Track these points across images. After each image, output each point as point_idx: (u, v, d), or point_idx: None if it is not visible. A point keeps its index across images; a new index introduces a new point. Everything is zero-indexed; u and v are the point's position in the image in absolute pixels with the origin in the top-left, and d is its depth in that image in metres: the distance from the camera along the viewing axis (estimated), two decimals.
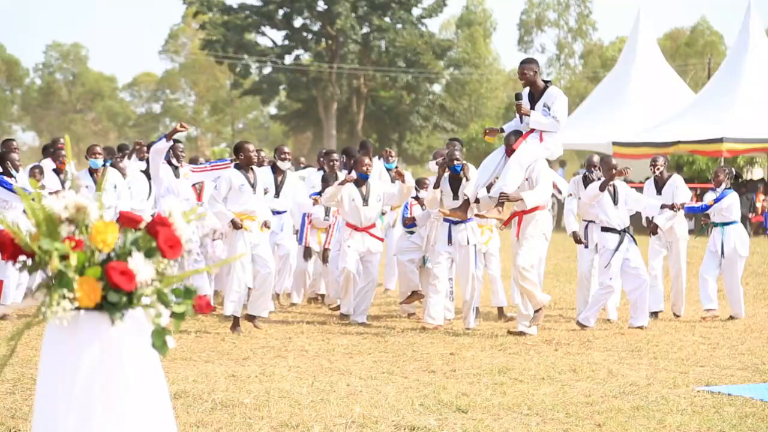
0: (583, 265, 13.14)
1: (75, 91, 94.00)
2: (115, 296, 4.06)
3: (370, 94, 65.89)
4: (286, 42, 68.02)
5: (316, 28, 67.44)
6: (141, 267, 4.10)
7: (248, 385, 8.81)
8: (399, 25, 66.69)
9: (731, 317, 13.38)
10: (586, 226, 13.12)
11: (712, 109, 30.45)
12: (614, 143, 32.34)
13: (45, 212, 4.13)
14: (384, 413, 7.76)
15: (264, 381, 9.01)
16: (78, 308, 4.06)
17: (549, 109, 11.65)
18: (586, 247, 13.04)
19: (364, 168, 12.90)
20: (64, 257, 4.06)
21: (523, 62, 11.88)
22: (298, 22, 67.32)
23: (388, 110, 66.37)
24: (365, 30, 66.72)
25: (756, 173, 35.09)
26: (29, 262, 4.14)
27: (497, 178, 11.83)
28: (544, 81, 11.87)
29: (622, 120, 34.74)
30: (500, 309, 13.65)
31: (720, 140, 28.34)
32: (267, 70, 69.50)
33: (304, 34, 67.70)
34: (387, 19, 66.51)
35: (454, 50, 71.25)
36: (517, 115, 12.01)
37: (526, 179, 11.69)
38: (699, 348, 11.14)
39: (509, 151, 11.75)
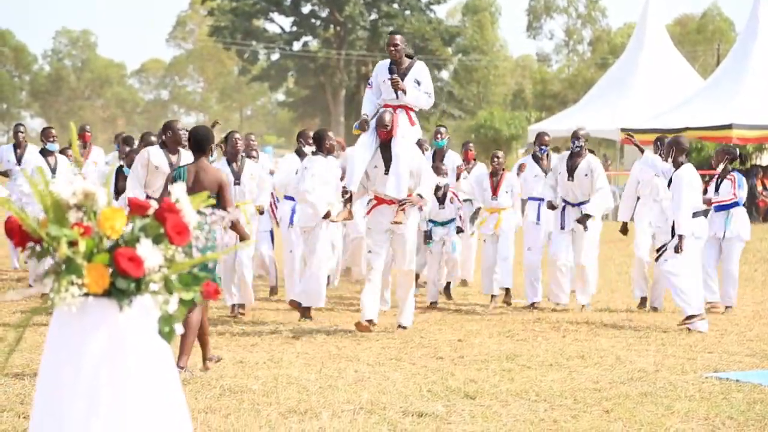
0: (559, 252, 12.83)
1: (83, 77, 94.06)
2: (123, 282, 4.06)
3: None
4: (294, 28, 68.00)
5: (324, 14, 67.40)
6: (149, 253, 4.10)
7: (256, 371, 8.83)
8: (407, 12, 66.63)
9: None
10: (563, 209, 12.80)
11: (721, 95, 30.38)
12: (622, 129, 32.29)
13: (53, 198, 4.13)
14: (392, 399, 7.77)
15: (272, 367, 9.03)
16: (86, 294, 4.07)
17: (419, 84, 11.21)
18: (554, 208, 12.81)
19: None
20: (72, 243, 4.06)
21: (395, 34, 11.50)
22: (306, 9, 67.29)
23: None
24: (373, 16, 66.67)
25: (765, 159, 35.01)
26: (38, 248, 4.14)
27: (376, 167, 11.13)
28: (408, 56, 11.38)
29: (631, 106, 34.72)
30: (507, 290, 13.56)
31: (729, 126, 28.28)
32: (275, 56, 69.51)
33: (313, 20, 67.69)
34: (395, 6, 66.44)
35: (462, 37, 71.14)
36: (369, 89, 11.47)
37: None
38: (707, 334, 11.12)
39: (382, 132, 11.04)
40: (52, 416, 4.05)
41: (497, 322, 11.99)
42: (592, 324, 11.78)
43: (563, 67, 79.19)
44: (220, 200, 9.56)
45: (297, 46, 68.32)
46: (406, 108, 11.24)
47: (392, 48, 11.27)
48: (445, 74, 71.18)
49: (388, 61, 11.40)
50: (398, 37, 11.35)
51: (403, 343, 10.48)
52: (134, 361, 4.08)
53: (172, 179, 9.25)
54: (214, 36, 69.07)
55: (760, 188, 29.53)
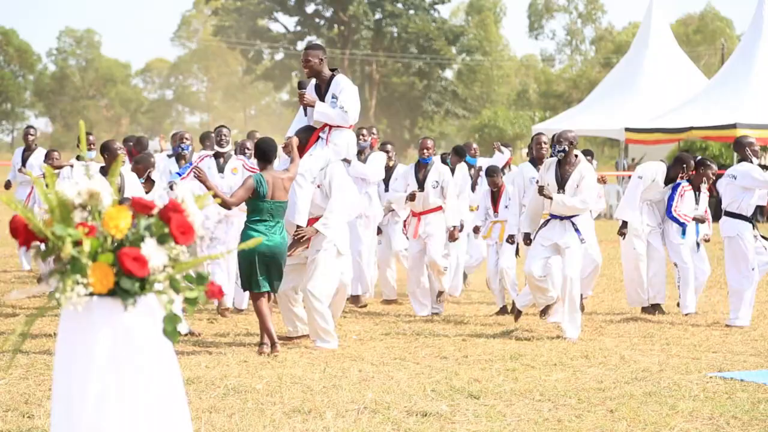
0: (532, 267, 10.87)
1: (88, 77, 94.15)
2: (127, 282, 4.07)
3: (383, 80, 65.85)
4: (299, 28, 68.12)
5: (328, 14, 67.48)
6: (153, 253, 4.10)
7: (260, 371, 8.83)
8: (411, 11, 66.66)
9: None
10: (546, 222, 11.06)
11: (725, 95, 30.32)
12: (627, 129, 32.26)
13: (58, 198, 4.14)
14: (396, 399, 7.78)
15: (276, 367, 9.03)
16: (91, 294, 4.07)
17: (337, 99, 10.29)
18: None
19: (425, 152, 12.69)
20: (77, 243, 4.07)
21: (307, 48, 10.54)
22: (310, 8, 67.41)
23: (401, 96, 66.34)
24: (378, 16, 66.71)
25: None
26: (43, 247, 4.15)
27: (319, 186, 10.28)
28: (330, 70, 10.48)
29: (635, 105, 34.65)
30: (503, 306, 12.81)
31: (733, 126, 28.23)
32: (279, 56, 69.61)
33: (317, 20, 67.80)
34: (399, 5, 66.48)
35: (466, 36, 71.19)
36: (301, 108, 10.68)
37: (319, 186, 10.23)
38: (711, 334, 11.12)
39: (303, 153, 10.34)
40: (63, 415, 4.07)
41: (501, 321, 11.99)
42: (596, 323, 11.77)
43: (567, 66, 79.23)
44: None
45: (301, 45, 68.40)
46: (330, 126, 10.38)
47: (303, 64, 10.50)
48: (449, 73, 71.24)
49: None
50: (310, 52, 10.41)
51: (407, 342, 10.49)
52: (140, 360, 4.09)
53: (254, 190, 9.67)
54: (218, 35, 69.26)
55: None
